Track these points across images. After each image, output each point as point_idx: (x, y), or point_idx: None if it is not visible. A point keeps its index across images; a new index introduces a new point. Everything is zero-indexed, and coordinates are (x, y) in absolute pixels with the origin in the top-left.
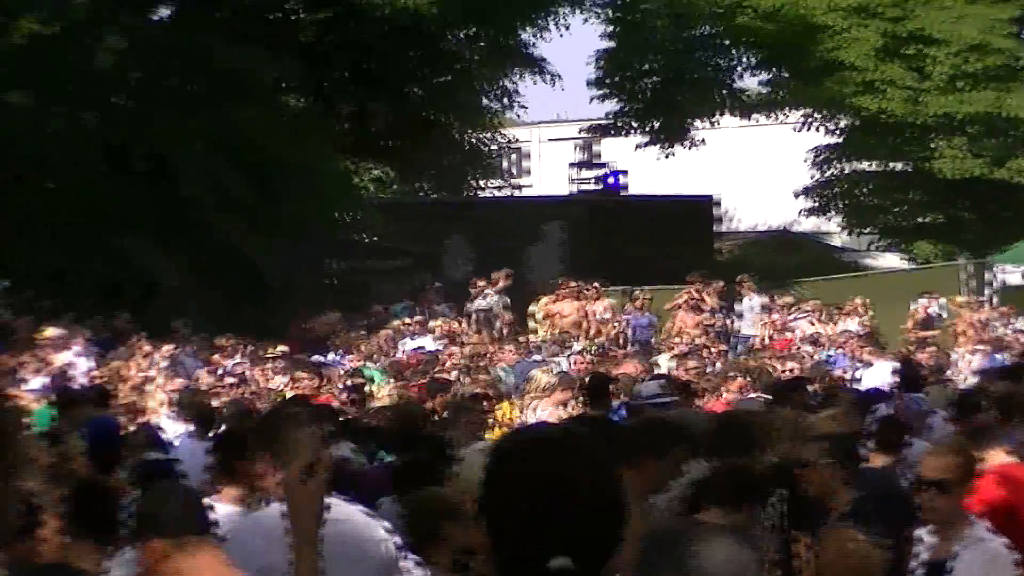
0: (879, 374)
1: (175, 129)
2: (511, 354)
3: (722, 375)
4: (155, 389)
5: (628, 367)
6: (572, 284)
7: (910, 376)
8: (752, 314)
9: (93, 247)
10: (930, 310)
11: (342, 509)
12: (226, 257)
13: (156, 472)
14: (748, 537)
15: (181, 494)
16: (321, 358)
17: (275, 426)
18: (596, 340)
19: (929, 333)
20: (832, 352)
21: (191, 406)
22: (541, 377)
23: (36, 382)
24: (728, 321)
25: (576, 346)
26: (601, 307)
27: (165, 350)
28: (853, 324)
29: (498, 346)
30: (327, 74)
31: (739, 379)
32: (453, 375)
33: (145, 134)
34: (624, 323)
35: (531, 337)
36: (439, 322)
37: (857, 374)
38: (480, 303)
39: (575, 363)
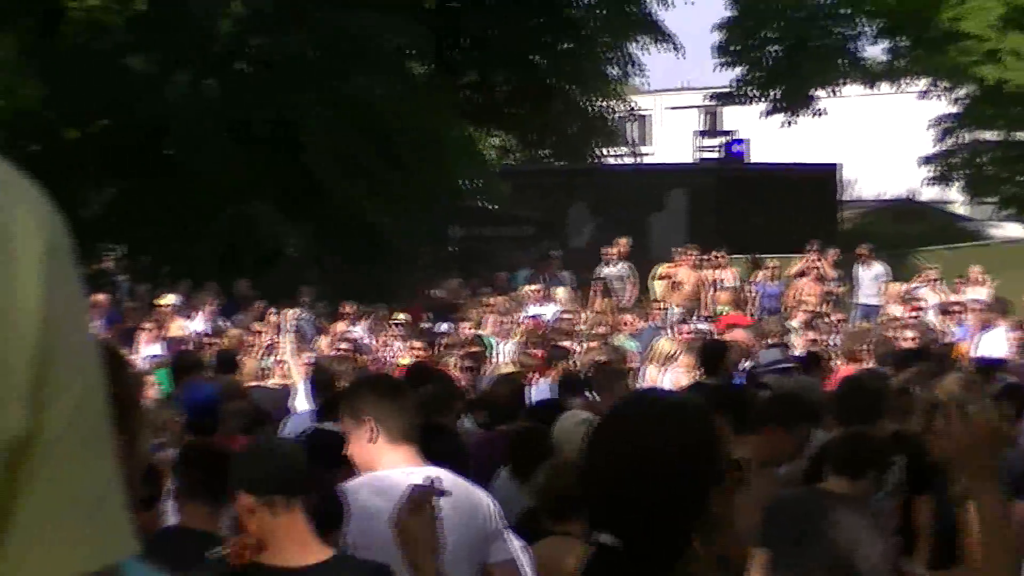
0: (997, 340)
1: (298, 96)
2: (635, 322)
3: (849, 345)
4: (281, 355)
5: (740, 335)
6: (691, 253)
7: None
8: (876, 282)
9: (214, 214)
10: None
11: (443, 473)
12: (349, 224)
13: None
14: (868, 504)
15: (277, 454)
16: (444, 326)
17: (362, 390)
18: (723, 308)
19: None
20: (958, 324)
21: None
22: (664, 344)
23: (155, 348)
24: (842, 289)
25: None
26: (728, 275)
27: (291, 315)
28: (974, 293)
29: (620, 315)
30: (450, 42)
31: (864, 348)
32: (575, 343)
33: (267, 101)
34: (753, 291)
35: (656, 305)
36: (560, 290)
37: (975, 340)
38: (611, 271)
39: (683, 332)
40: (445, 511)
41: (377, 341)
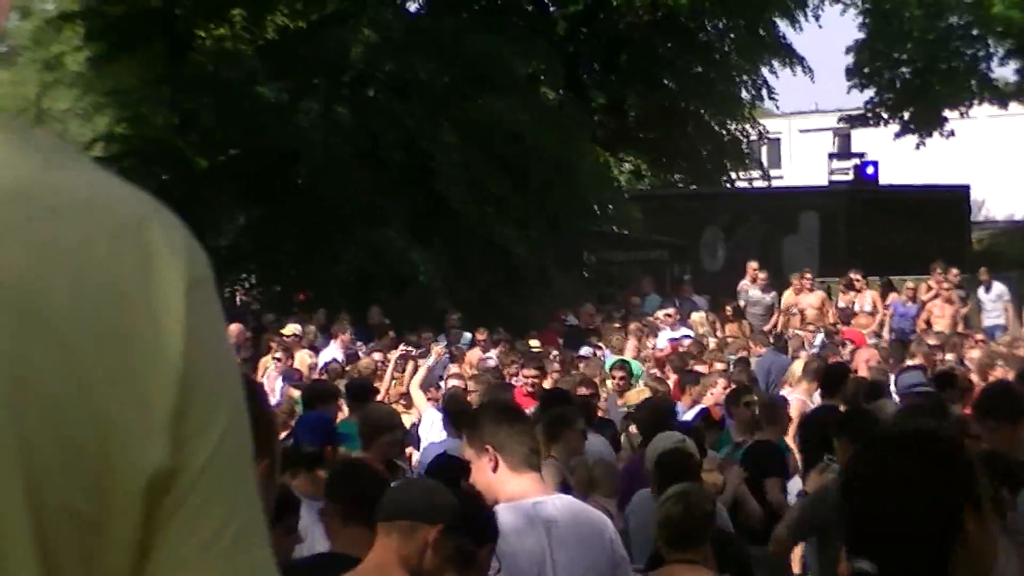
0: None
1: (429, 121)
2: (759, 347)
3: (983, 362)
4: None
5: (867, 356)
6: (808, 276)
7: None
8: (999, 303)
9: (345, 240)
10: None
11: (569, 501)
12: (481, 250)
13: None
14: None
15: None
16: (583, 350)
17: (483, 419)
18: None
19: None
20: None
21: (451, 401)
22: (796, 367)
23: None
24: (965, 309)
25: (818, 338)
26: (868, 299)
27: (439, 350)
28: None
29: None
30: (582, 66)
31: (998, 368)
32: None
33: (397, 126)
34: (887, 313)
35: (785, 330)
36: (696, 315)
37: None
38: (754, 295)
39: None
40: (567, 536)
41: (506, 369)
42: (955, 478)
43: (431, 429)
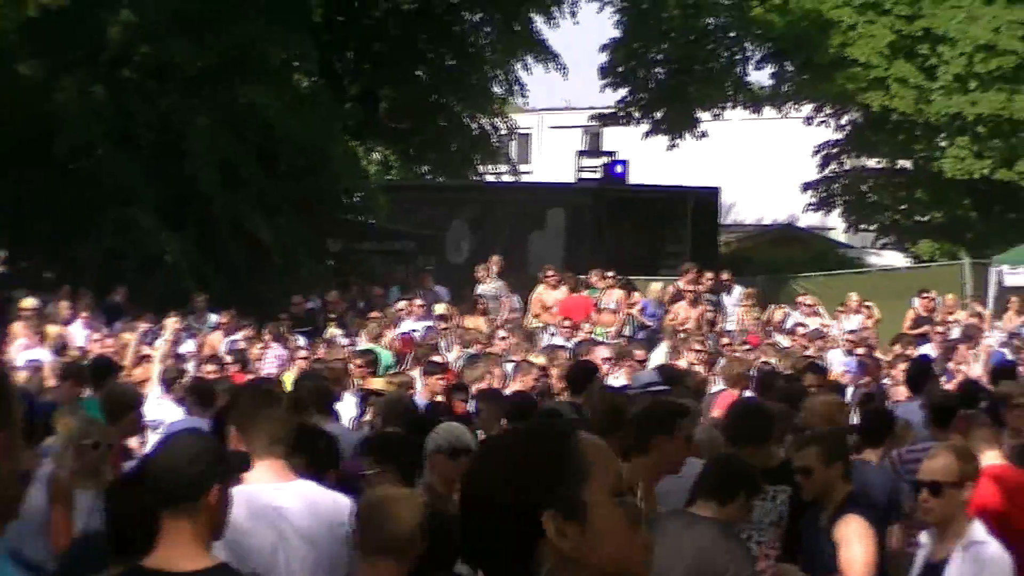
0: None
1: (182, 104)
2: (503, 342)
3: (729, 370)
4: (159, 363)
5: (601, 354)
6: (551, 273)
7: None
8: (739, 307)
9: (96, 219)
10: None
11: (309, 488)
12: (230, 233)
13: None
14: (732, 529)
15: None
16: (301, 339)
17: (242, 402)
18: (606, 329)
19: (923, 330)
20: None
21: (190, 386)
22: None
23: (32, 353)
24: (711, 313)
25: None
26: (613, 298)
27: (172, 324)
28: (850, 322)
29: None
30: (337, 54)
31: (744, 372)
32: (451, 357)
33: (152, 108)
34: (633, 312)
35: (530, 324)
36: (440, 306)
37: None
38: (486, 289)
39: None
40: (304, 524)
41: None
42: (530, 483)
43: (157, 407)
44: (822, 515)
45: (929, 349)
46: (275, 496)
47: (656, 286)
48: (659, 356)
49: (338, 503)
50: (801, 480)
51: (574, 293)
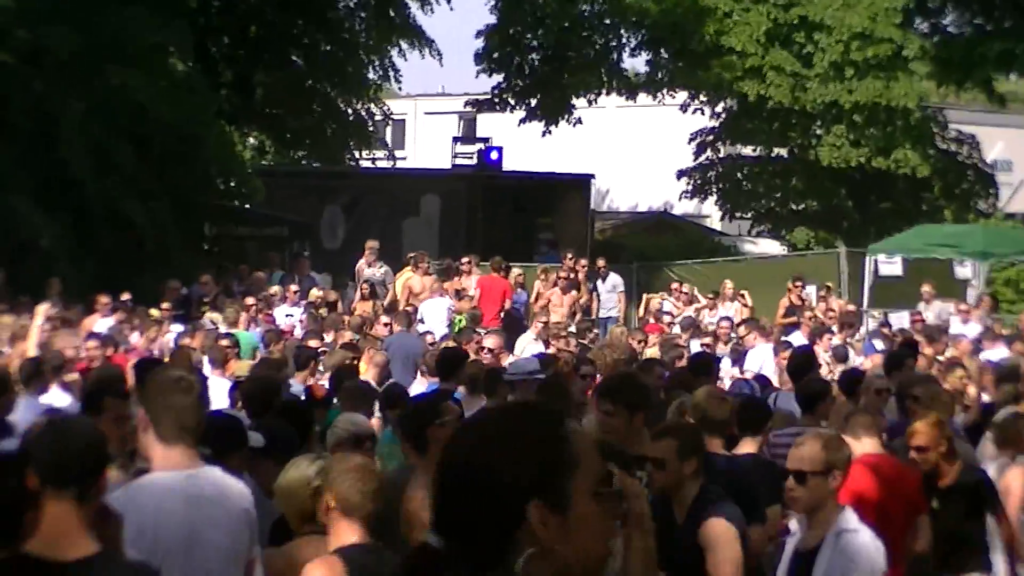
0: (759, 357)
1: (56, 89)
2: (384, 327)
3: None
4: (31, 348)
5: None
6: (425, 260)
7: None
8: (613, 293)
9: None
10: (796, 296)
11: (217, 475)
12: (104, 219)
13: None
14: None
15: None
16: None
17: (154, 388)
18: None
19: (793, 320)
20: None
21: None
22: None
23: None
24: (584, 300)
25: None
26: (473, 283)
27: (44, 309)
28: (726, 310)
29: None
30: (212, 39)
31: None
32: (328, 342)
33: (27, 93)
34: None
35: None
36: (316, 291)
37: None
38: (373, 274)
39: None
40: (220, 510)
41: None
42: (519, 471)
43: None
44: (675, 510)
45: (799, 337)
46: (186, 485)
47: (518, 272)
48: (525, 343)
49: (243, 490)
50: (652, 472)
51: (445, 280)
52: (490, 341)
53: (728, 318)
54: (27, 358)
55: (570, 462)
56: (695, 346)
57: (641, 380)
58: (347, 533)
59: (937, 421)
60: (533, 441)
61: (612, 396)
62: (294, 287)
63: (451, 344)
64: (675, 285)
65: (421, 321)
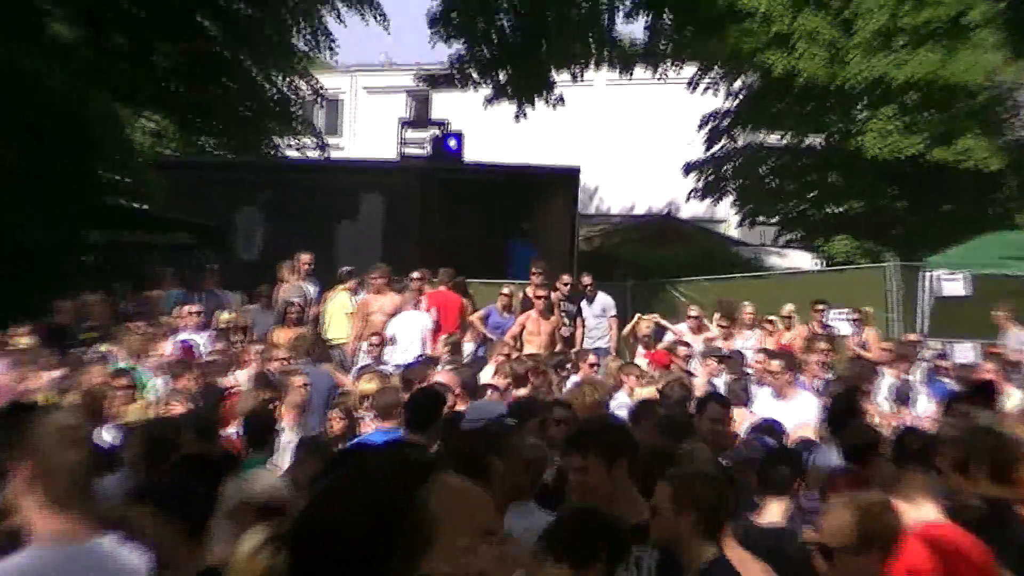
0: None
1: None
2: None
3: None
4: None
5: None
6: (377, 276)
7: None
8: (603, 319)
9: None
10: (819, 324)
11: (109, 547)
12: None
13: None
14: None
15: None
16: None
17: (44, 439)
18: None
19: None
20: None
21: None
22: (365, 385)
23: None
24: (566, 329)
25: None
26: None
27: None
28: (744, 339)
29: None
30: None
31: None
32: (242, 377)
33: None
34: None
35: (332, 336)
36: (225, 314)
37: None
38: (291, 294)
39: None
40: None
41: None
42: (360, 555)
43: None
44: None
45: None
46: (70, 565)
47: (504, 291)
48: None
49: (138, 565)
50: (650, 519)
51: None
52: (444, 378)
53: (765, 350)
54: None
55: (423, 539)
56: (719, 383)
57: (614, 421)
58: None
59: None
60: (376, 521)
61: (581, 447)
62: (195, 308)
63: (416, 380)
64: (693, 311)
65: (393, 341)
